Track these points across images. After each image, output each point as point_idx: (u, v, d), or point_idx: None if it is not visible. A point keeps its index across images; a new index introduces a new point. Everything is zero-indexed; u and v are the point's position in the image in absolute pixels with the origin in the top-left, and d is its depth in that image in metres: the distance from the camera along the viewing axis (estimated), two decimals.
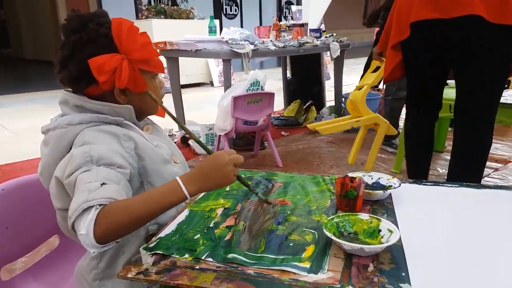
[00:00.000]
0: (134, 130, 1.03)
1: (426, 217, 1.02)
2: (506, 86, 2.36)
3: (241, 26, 11.06)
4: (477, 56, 1.78)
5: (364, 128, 2.67)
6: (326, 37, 4.17)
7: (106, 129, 0.96)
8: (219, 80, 7.22)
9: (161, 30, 6.14)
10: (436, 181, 1.24)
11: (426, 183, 1.23)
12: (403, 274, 0.77)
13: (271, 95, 3.07)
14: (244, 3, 12.97)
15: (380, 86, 4.22)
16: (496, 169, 3.01)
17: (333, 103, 4.58)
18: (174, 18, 6.98)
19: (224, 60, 3.31)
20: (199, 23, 6.97)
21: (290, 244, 0.88)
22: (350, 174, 1.17)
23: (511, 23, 1.66)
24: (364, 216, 0.93)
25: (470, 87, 1.86)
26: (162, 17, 6.88)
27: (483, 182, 2.26)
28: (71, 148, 0.95)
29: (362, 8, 4.13)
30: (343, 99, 4.35)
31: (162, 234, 0.94)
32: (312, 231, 0.94)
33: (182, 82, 4.02)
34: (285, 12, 13.74)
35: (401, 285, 0.73)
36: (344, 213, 0.96)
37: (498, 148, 3.41)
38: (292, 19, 4.55)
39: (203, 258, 0.83)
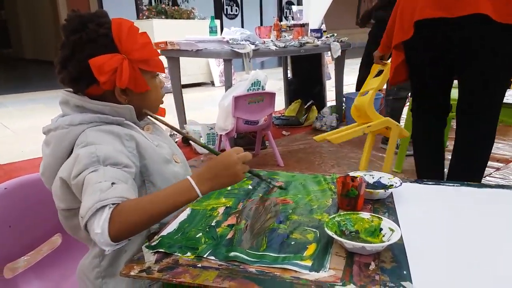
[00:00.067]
0: (135, 130, 1.03)
1: (427, 216, 1.02)
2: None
3: (242, 26, 11.08)
4: (478, 56, 1.77)
5: (372, 135, 2.61)
6: (327, 37, 4.17)
7: (107, 129, 0.96)
8: (220, 80, 7.22)
9: (162, 30, 6.14)
10: (437, 180, 1.25)
11: (427, 182, 1.24)
12: (405, 272, 0.77)
13: (272, 95, 3.08)
14: (244, 3, 12.98)
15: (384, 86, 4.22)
16: (498, 169, 3.01)
17: (334, 103, 4.58)
18: (175, 18, 6.99)
19: (225, 60, 3.31)
20: (200, 23, 6.97)
21: (292, 243, 0.88)
22: (351, 173, 1.17)
23: None
24: (366, 215, 0.93)
25: (471, 87, 1.86)
26: (163, 17, 6.89)
27: (484, 181, 2.26)
28: (72, 149, 0.95)
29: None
30: (344, 99, 4.35)
31: (164, 232, 0.94)
32: (314, 229, 0.94)
33: (183, 82, 4.03)
34: (286, 12, 13.74)
35: (402, 283, 0.74)
36: (345, 212, 0.96)
37: (499, 147, 3.41)
38: (292, 19, 4.55)
39: (205, 256, 0.84)
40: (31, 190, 1.18)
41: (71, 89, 1.02)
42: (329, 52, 4.03)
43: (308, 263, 0.80)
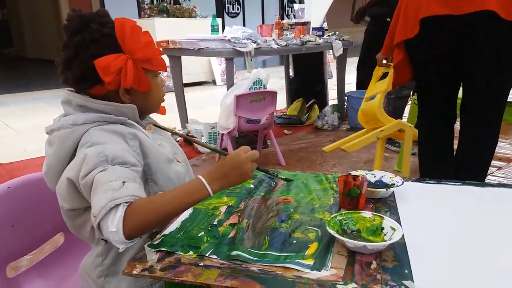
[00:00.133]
0: (137, 129, 1.03)
1: (429, 215, 1.02)
2: None
3: (244, 25, 11.06)
4: (483, 54, 1.76)
5: (382, 140, 2.57)
6: (328, 35, 4.16)
7: (111, 129, 0.97)
8: (222, 78, 7.22)
9: (163, 29, 6.14)
10: (439, 179, 1.25)
11: (429, 181, 1.24)
12: (406, 271, 0.77)
13: (273, 94, 3.08)
14: (246, 1, 12.97)
15: None
16: (500, 168, 3.01)
17: (335, 102, 4.58)
18: (177, 17, 6.99)
19: (226, 58, 3.31)
20: (202, 21, 6.97)
21: (294, 242, 0.88)
22: (353, 172, 1.17)
23: None
24: (367, 214, 0.94)
25: (475, 85, 1.85)
26: (165, 16, 6.89)
27: (486, 180, 2.25)
28: (76, 148, 0.96)
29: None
30: (346, 97, 4.34)
31: (167, 231, 0.95)
32: (315, 228, 0.94)
33: (184, 81, 4.03)
34: (288, 10, 13.72)
35: (404, 282, 0.74)
36: (347, 211, 0.96)
37: (501, 146, 3.41)
38: (294, 17, 4.54)
39: (207, 255, 0.84)
40: (33, 189, 1.19)
41: (72, 89, 1.02)
42: (330, 51, 4.02)
43: (310, 262, 0.80)
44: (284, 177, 1.15)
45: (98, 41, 0.96)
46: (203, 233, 0.94)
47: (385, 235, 0.88)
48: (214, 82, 7.48)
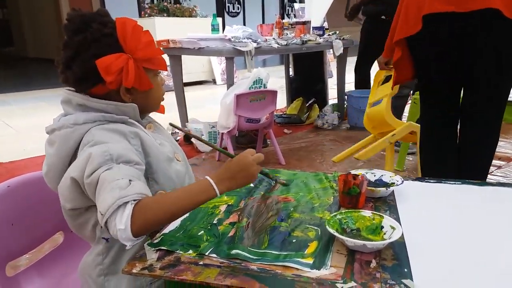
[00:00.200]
0: (138, 128, 1.04)
1: (429, 214, 1.03)
2: None
3: (244, 24, 11.05)
4: (483, 54, 1.75)
5: (391, 145, 2.53)
6: (329, 35, 4.16)
7: (112, 128, 0.97)
8: (222, 78, 7.22)
9: (164, 28, 6.14)
10: (439, 178, 1.25)
11: (428, 181, 1.24)
12: (405, 270, 0.78)
13: (273, 93, 3.08)
14: (246, 1, 12.95)
15: None
16: (499, 167, 3.01)
17: (335, 101, 4.58)
18: (177, 16, 6.99)
19: (226, 58, 3.31)
20: (202, 21, 6.98)
21: (293, 241, 0.88)
22: (353, 171, 1.17)
23: None
24: (367, 213, 0.94)
25: (475, 85, 1.84)
26: (165, 15, 6.89)
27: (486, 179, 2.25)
28: (77, 148, 0.96)
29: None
30: (346, 97, 4.35)
31: (166, 230, 0.95)
32: (315, 227, 0.94)
33: (184, 80, 4.02)
34: (288, 10, 13.71)
35: (403, 281, 0.74)
36: (346, 210, 0.96)
37: (501, 146, 3.41)
38: (295, 17, 4.54)
39: (207, 254, 0.84)
40: (33, 188, 1.19)
41: (72, 88, 1.02)
42: (331, 50, 4.02)
43: (310, 260, 0.81)
44: (282, 181, 1.14)
45: (99, 40, 0.97)
46: (202, 232, 0.94)
47: (384, 234, 0.88)
48: (214, 81, 7.48)
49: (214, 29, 3.84)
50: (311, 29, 4.11)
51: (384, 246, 0.84)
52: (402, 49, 1.97)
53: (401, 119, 3.44)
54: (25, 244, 1.20)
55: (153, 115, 1.18)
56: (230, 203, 1.09)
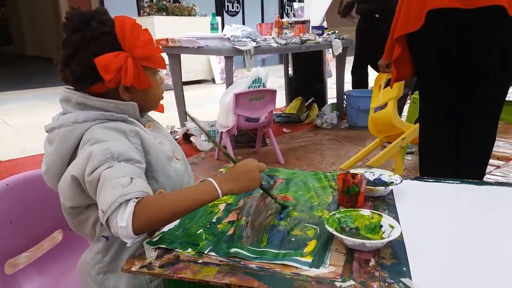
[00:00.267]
0: (138, 126, 1.04)
1: (427, 213, 1.03)
2: None
3: (243, 23, 11.05)
4: (490, 51, 1.75)
5: (400, 149, 2.52)
6: (328, 34, 4.16)
7: (112, 126, 0.97)
8: (221, 77, 7.22)
9: (163, 27, 6.13)
10: (438, 178, 1.25)
11: (427, 180, 1.24)
12: (404, 269, 0.78)
13: (273, 92, 3.08)
14: (246, 0, 12.95)
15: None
16: (498, 167, 3.01)
17: (335, 101, 4.58)
18: (176, 15, 6.99)
19: (226, 57, 3.31)
20: (201, 20, 6.97)
21: (292, 239, 0.89)
22: (352, 171, 1.17)
23: None
24: (366, 211, 0.94)
25: (473, 83, 1.84)
26: (164, 14, 6.88)
27: (484, 179, 2.25)
28: (77, 146, 0.95)
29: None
30: (345, 96, 4.35)
31: (166, 228, 0.95)
32: (314, 226, 0.94)
33: (183, 79, 4.02)
34: (287, 9, 13.70)
35: (402, 279, 0.74)
36: (345, 209, 0.97)
37: (499, 145, 3.41)
38: (294, 16, 4.54)
39: (206, 252, 0.84)
40: (32, 186, 1.18)
41: (71, 87, 1.02)
42: (330, 50, 4.03)
43: (308, 259, 0.81)
44: (281, 202, 1.07)
45: (98, 39, 0.96)
46: (202, 230, 0.94)
47: (383, 232, 0.88)
48: (213, 81, 7.48)
49: (213, 28, 3.84)
50: (310, 28, 4.11)
51: (383, 245, 0.84)
52: (402, 46, 1.97)
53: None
54: (24, 242, 1.20)
55: (152, 114, 1.18)
56: (229, 202, 1.09)
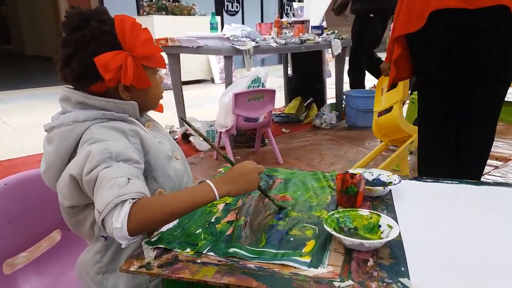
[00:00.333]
0: (138, 126, 1.03)
1: (426, 213, 1.03)
2: None
3: (243, 23, 11.03)
4: (482, 53, 1.75)
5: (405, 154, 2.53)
6: (327, 34, 4.16)
7: (112, 126, 0.97)
8: (220, 77, 7.22)
9: (162, 26, 6.13)
10: (436, 178, 1.25)
11: (426, 180, 1.24)
12: (403, 269, 0.78)
13: (272, 92, 3.08)
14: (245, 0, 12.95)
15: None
16: (496, 167, 3.01)
17: (334, 101, 4.58)
18: (176, 15, 6.98)
19: (225, 56, 3.31)
20: (201, 19, 6.97)
21: (291, 239, 0.89)
22: (351, 171, 1.17)
23: None
24: (364, 211, 0.94)
25: (472, 83, 1.84)
26: (164, 13, 6.88)
27: (483, 179, 2.25)
28: (76, 146, 0.95)
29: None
30: (344, 96, 4.35)
31: (164, 228, 0.95)
32: (313, 226, 0.94)
33: (183, 79, 4.03)
34: (287, 9, 13.70)
35: (400, 279, 0.74)
36: (344, 209, 0.97)
37: (498, 146, 3.42)
38: (293, 16, 4.55)
39: (204, 252, 0.84)
40: (31, 186, 1.18)
41: (71, 86, 1.02)
42: (329, 50, 4.03)
43: (307, 259, 0.81)
44: (279, 205, 1.06)
45: (98, 38, 0.96)
46: (200, 230, 0.94)
47: (382, 232, 0.88)
48: (212, 80, 7.47)
49: (213, 27, 3.84)
50: (310, 28, 4.12)
51: (381, 245, 0.84)
52: (402, 46, 1.96)
53: None
54: (22, 242, 1.19)
55: (151, 114, 1.18)
56: (228, 202, 1.09)
